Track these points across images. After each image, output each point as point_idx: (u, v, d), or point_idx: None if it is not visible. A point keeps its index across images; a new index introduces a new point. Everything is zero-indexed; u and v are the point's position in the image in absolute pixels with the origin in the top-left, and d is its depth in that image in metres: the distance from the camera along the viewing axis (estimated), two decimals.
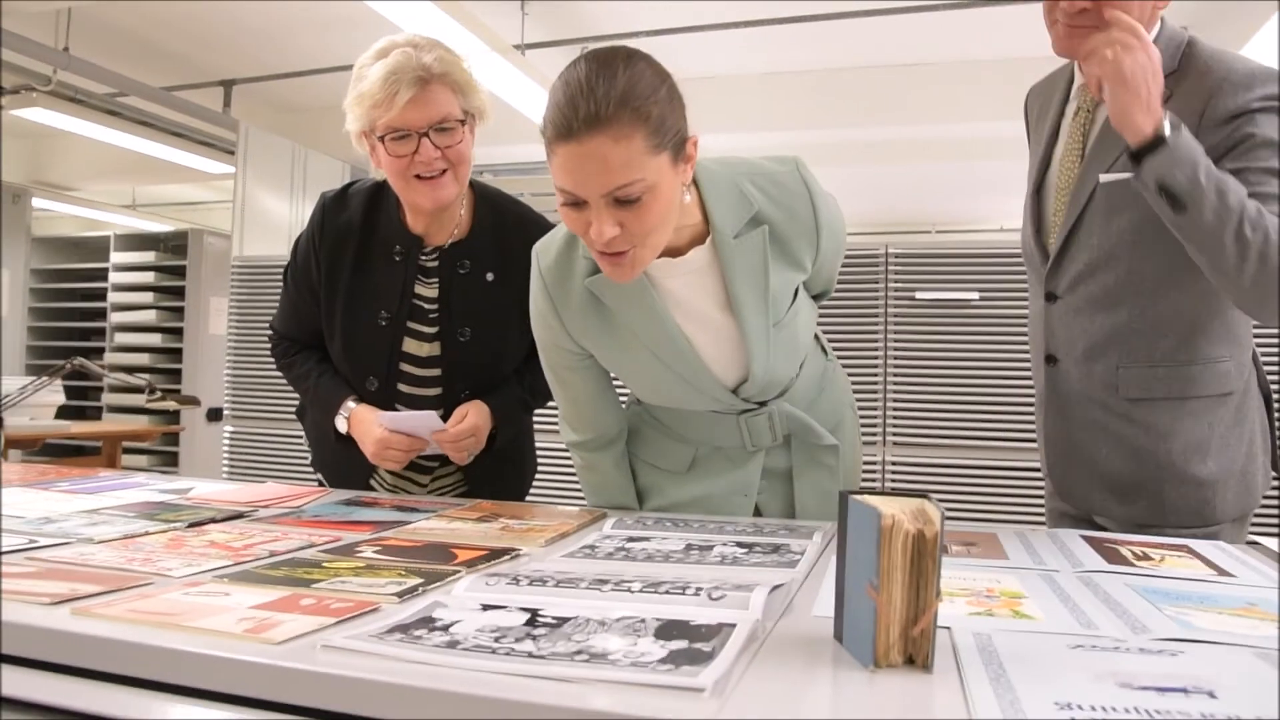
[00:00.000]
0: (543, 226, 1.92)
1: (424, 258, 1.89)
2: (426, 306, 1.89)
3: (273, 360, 2.09)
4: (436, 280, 1.88)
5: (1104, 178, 1.58)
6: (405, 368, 1.90)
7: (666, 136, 1.31)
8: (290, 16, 5.80)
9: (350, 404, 1.89)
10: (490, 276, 1.88)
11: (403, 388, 1.91)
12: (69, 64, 5.71)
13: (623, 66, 1.29)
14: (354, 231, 1.89)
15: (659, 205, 1.33)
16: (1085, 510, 1.71)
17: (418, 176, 1.75)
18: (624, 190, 1.29)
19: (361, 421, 1.86)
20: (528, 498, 2.11)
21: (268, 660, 0.82)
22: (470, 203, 1.92)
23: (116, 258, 7.25)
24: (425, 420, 1.81)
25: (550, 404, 1.87)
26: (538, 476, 2.16)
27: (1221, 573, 1.23)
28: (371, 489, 2.01)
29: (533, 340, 1.90)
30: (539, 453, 2.17)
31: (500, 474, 2.01)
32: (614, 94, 1.26)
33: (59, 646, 0.90)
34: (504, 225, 1.92)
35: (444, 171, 1.76)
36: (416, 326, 1.89)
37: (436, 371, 1.90)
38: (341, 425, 1.89)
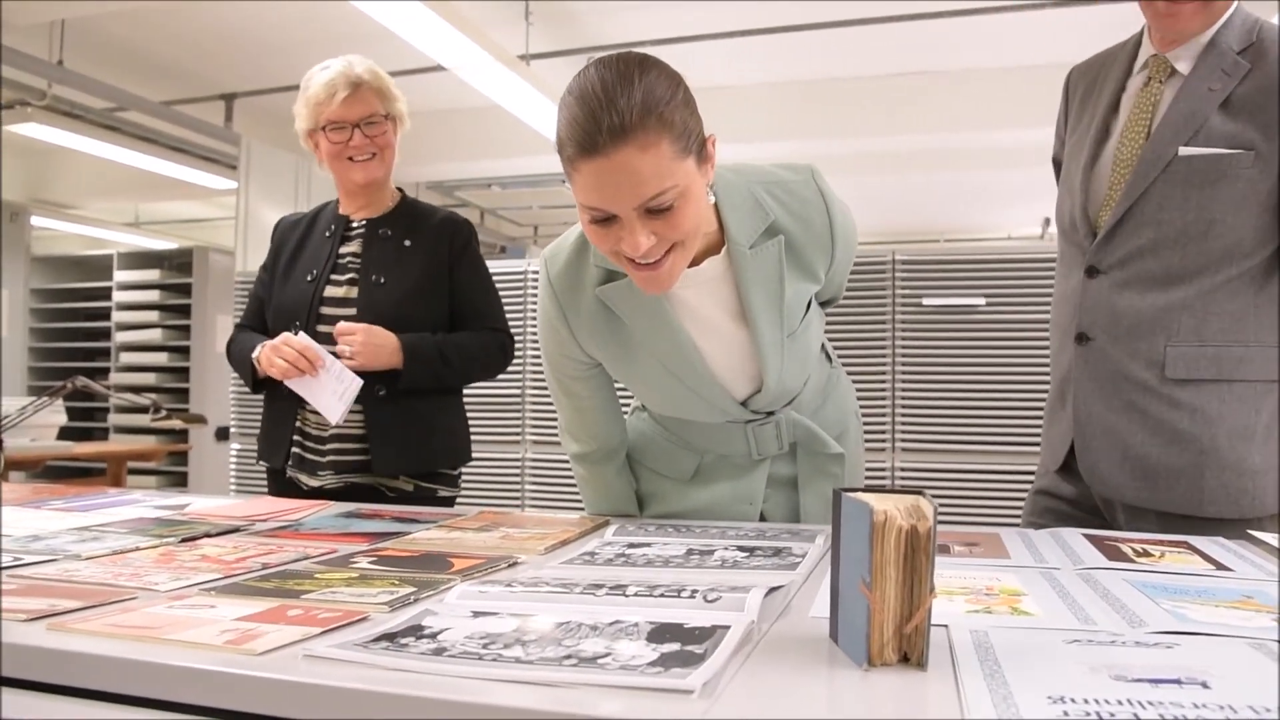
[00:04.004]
0: (462, 225, 2.25)
1: (351, 230, 2.21)
2: (349, 262, 2.17)
3: None
4: (359, 240, 2.19)
5: (1185, 150, 1.52)
6: (325, 310, 2.15)
7: (690, 140, 1.27)
8: (292, 28, 5.74)
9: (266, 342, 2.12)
10: (407, 243, 2.18)
11: (321, 329, 2.12)
12: (64, 78, 5.58)
13: (638, 73, 1.24)
14: (300, 224, 2.28)
15: (690, 209, 1.29)
16: (1114, 496, 1.63)
17: (351, 159, 2.12)
18: (657, 200, 1.24)
19: (266, 345, 2.09)
20: (527, 507, 2.09)
21: (247, 671, 0.81)
22: (398, 200, 2.26)
23: (120, 276, 7.24)
24: (318, 349, 2.02)
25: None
26: (532, 486, 2.15)
27: (1220, 567, 1.22)
28: (290, 451, 2.17)
29: (454, 313, 2.10)
30: (533, 463, 2.16)
31: (405, 439, 2.12)
32: (635, 103, 1.20)
33: (34, 663, 0.88)
34: (429, 214, 2.26)
35: (373, 156, 2.14)
36: (338, 277, 2.17)
37: (353, 311, 2.12)
38: (256, 351, 2.10)
